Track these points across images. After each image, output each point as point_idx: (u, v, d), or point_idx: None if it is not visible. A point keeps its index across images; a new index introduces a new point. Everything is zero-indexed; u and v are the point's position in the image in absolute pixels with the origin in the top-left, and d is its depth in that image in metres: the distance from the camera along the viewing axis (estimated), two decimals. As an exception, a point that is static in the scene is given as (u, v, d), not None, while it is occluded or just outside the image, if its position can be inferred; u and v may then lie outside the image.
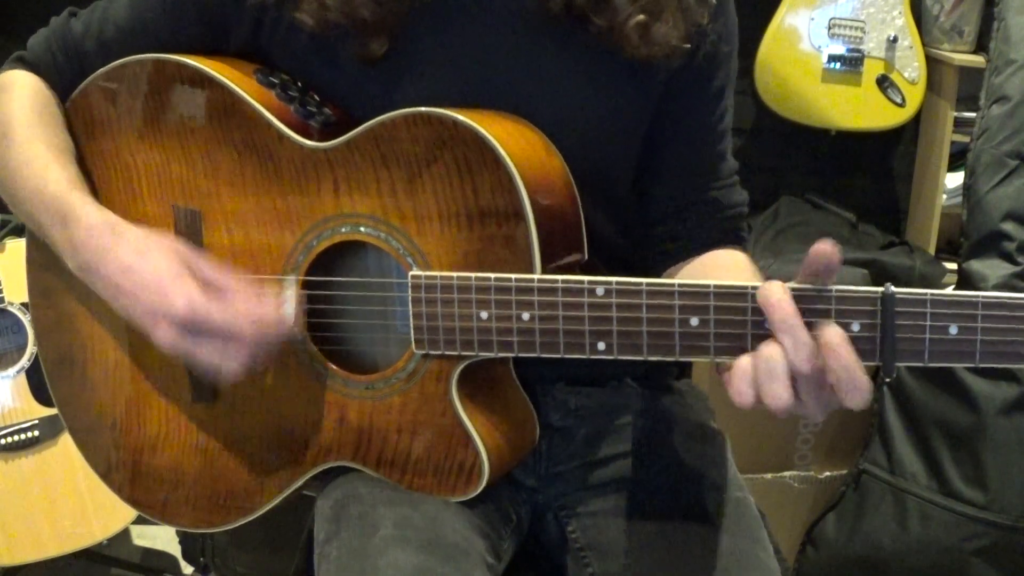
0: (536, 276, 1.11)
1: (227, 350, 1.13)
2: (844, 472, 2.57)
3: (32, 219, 1.25)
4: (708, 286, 1.04)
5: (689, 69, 1.29)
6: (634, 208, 1.38)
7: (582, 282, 1.08)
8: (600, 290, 1.07)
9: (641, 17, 1.20)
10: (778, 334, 0.99)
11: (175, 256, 1.17)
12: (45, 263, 1.37)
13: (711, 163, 1.37)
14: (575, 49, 1.24)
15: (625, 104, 1.28)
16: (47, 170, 1.24)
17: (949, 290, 1.00)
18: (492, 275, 1.12)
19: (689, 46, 1.24)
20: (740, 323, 1.03)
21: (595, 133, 1.27)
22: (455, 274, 1.13)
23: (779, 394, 0.99)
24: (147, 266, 1.15)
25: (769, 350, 1.00)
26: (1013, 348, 0.98)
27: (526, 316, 1.11)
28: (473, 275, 1.12)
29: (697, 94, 1.32)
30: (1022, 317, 0.97)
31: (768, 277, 1.05)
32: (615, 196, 1.34)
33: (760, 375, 1.00)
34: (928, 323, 0.98)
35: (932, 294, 0.98)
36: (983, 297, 0.97)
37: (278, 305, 1.19)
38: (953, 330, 0.98)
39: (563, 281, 1.09)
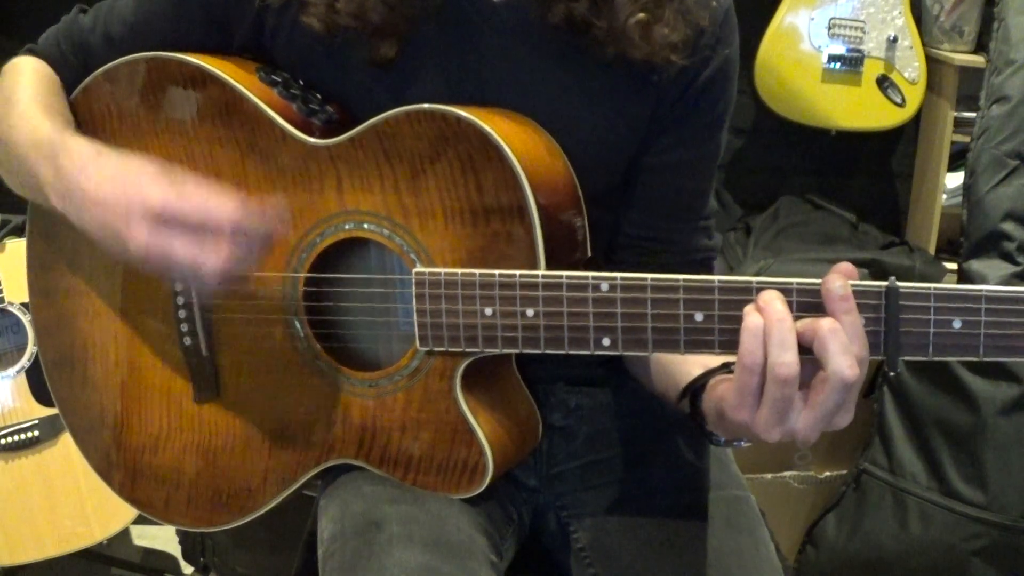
0: (540, 272, 1.11)
1: (205, 242, 1.08)
2: (844, 472, 2.57)
3: (26, 170, 1.23)
4: (712, 282, 1.04)
5: (692, 90, 1.27)
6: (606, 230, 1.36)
7: (586, 278, 1.08)
8: (604, 286, 1.07)
9: (642, 15, 1.19)
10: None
11: (154, 165, 1.13)
12: (46, 263, 1.37)
13: (688, 202, 1.35)
14: (575, 61, 1.24)
15: (620, 119, 1.27)
16: (43, 121, 1.24)
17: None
18: (496, 272, 1.12)
19: (687, 62, 1.23)
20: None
21: (588, 146, 1.26)
22: (459, 271, 1.13)
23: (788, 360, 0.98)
24: (125, 172, 1.13)
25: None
26: (1016, 342, 0.98)
27: (530, 312, 1.11)
28: (477, 272, 1.12)
29: (694, 123, 1.29)
30: None
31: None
32: (595, 215, 1.31)
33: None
34: (932, 317, 0.99)
35: (936, 288, 0.98)
36: (987, 291, 0.97)
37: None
38: (957, 324, 0.98)
39: (567, 277, 1.09)
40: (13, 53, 1.37)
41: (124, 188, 1.11)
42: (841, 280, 0.98)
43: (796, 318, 0.99)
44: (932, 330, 0.99)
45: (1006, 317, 0.98)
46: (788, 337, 0.97)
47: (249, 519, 1.33)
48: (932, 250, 2.83)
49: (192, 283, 1.16)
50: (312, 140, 1.20)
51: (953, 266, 2.55)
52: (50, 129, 1.23)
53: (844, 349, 0.96)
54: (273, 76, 1.25)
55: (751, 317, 0.99)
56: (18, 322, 2.18)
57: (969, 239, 2.36)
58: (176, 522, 1.38)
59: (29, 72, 1.33)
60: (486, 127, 1.11)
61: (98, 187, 1.13)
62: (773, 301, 0.99)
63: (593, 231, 1.24)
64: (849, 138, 2.82)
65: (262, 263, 1.22)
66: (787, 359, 0.97)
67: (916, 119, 2.85)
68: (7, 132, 1.27)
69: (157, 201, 1.08)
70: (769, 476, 2.58)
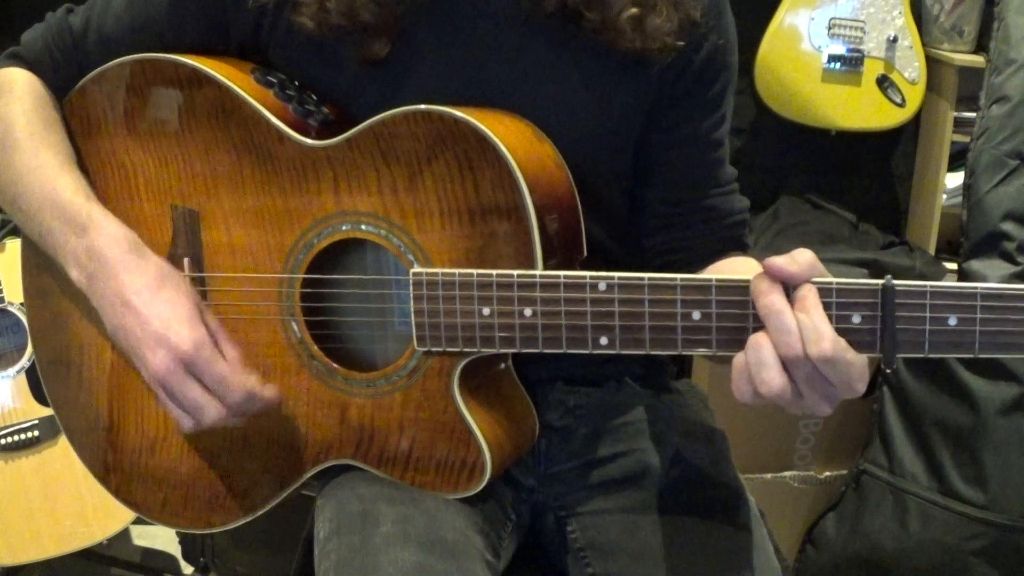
0: (538, 272, 1.11)
1: (209, 403, 1.17)
2: (844, 472, 2.57)
3: (36, 223, 1.25)
4: (710, 280, 1.04)
5: (687, 74, 1.28)
6: (628, 217, 1.37)
7: (584, 277, 1.08)
8: (602, 285, 1.08)
9: (634, 10, 1.20)
10: (763, 320, 1.01)
11: (191, 297, 1.20)
12: (42, 264, 1.37)
13: (709, 170, 1.36)
14: (570, 48, 1.25)
15: (618, 104, 1.28)
16: (59, 177, 1.26)
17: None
18: (494, 271, 1.12)
19: (683, 43, 1.24)
20: (742, 316, 1.04)
21: (588, 133, 1.27)
22: (457, 271, 1.14)
23: (770, 380, 1.00)
24: (163, 295, 1.19)
25: (755, 337, 1.01)
26: (1012, 339, 0.98)
27: (528, 312, 1.11)
28: (475, 271, 1.12)
29: (695, 100, 1.31)
30: (1020, 308, 0.98)
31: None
32: (607, 200, 1.33)
33: (751, 364, 1.01)
34: (928, 314, 0.99)
35: (932, 286, 0.98)
36: (982, 288, 0.98)
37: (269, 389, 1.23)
38: (952, 321, 0.99)
39: (565, 276, 1.09)
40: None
41: (161, 314, 1.17)
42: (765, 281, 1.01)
43: None
44: (928, 327, 0.99)
45: (1001, 314, 0.98)
46: (763, 356, 1.01)
47: (247, 520, 1.33)
48: (932, 250, 2.82)
49: (181, 418, 1.21)
50: (308, 141, 1.20)
51: (953, 266, 2.55)
52: (71, 193, 1.24)
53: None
54: (269, 77, 1.25)
55: (739, 356, 1.03)
56: (18, 322, 2.18)
57: (969, 239, 2.36)
58: (173, 524, 1.38)
59: (22, 95, 1.32)
60: (483, 127, 1.11)
61: (136, 296, 1.18)
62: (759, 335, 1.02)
63: (610, 219, 1.25)
64: (849, 138, 2.82)
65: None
66: (765, 377, 1.01)
67: (916, 119, 2.85)
68: (11, 174, 1.27)
69: (190, 348, 1.16)
70: (769, 476, 2.58)
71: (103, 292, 1.20)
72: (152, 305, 1.18)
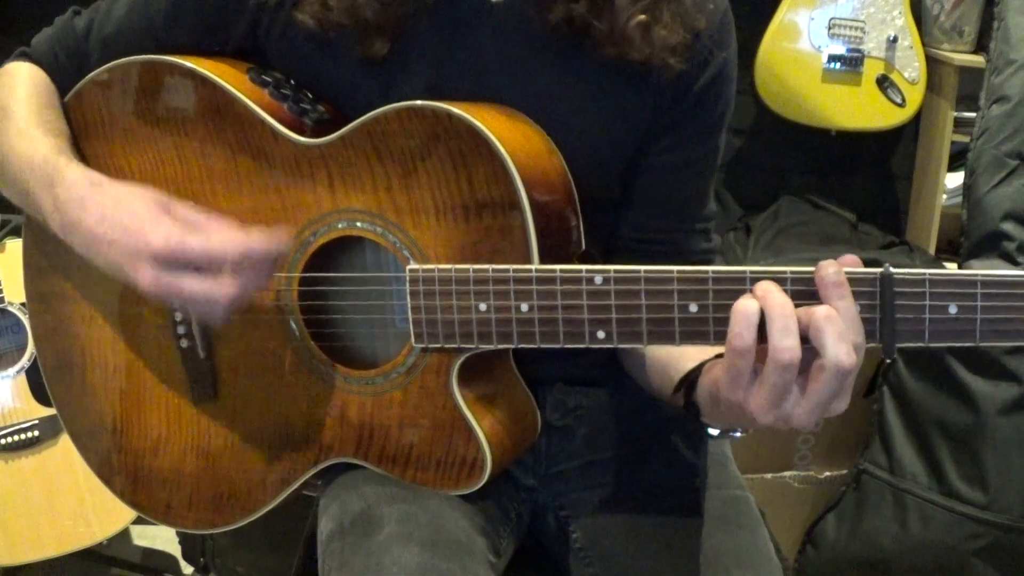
0: (534, 267, 1.11)
1: (211, 281, 1.10)
2: (844, 472, 2.57)
3: (23, 191, 1.25)
4: (707, 272, 1.03)
5: (689, 95, 1.27)
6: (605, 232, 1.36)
7: (580, 271, 1.08)
8: (598, 279, 1.07)
9: (642, 17, 1.19)
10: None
11: (152, 201, 1.15)
12: (43, 267, 1.37)
13: (687, 202, 1.34)
14: (574, 59, 1.24)
15: (620, 117, 1.27)
16: (39, 141, 1.25)
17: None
18: (490, 267, 1.12)
19: (688, 55, 1.23)
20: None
21: (590, 141, 1.26)
22: (453, 267, 1.13)
23: (794, 412, 0.98)
24: (124, 211, 1.14)
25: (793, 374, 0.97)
26: (1013, 326, 0.97)
27: (525, 307, 1.11)
28: (471, 267, 1.12)
29: (692, 125, 1.29)
30: (1021, 295, 0.97)
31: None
32: (606, 201, 1.32)
33: (772, 386, 0.97)
34: (928, 303, 0.98)
35: (931, 273, 0.98)
36: (982, 276, 0.97)
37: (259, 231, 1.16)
38: (953, 309, 0.98)
39: (561, 271, 1.09)
40: (12, 52, 1.38)
41: (125, 228, 1.13)
42: (835, 267, 0.97)
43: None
44: (928, 316, 0.98)
45: (1002, 301, 0.97)
46: (790, 323, 0.96)
47: (250, 519, 1.34)
48: (932, 250, 2.83)
49: (202, 315, 1.18)
50: (303, 139, 1.20)
51: (953, 266, 2.55)
52: (46, 152, 1.23)
53: (840, 336, 0.95)
54: (264, 76, 1.25)
55: (744, 301, 0.98)
56: (18, 322, 2.18)
57: (969, 239, 2.36)
58: (178, 525, 1.39)
59: (25, 80, 1.33)
60: (476, 122, 1.11)
61: (99, 224, 1.15)
62: (772, 290, 0.98)
63: (592, 232, 1.24)
64: (849, 138, 2.82)
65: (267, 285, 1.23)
66: (789, 344, 0.95)
67: (916, 119, 2.85)
68: (3, 145, 1.27)
69: (160, 244, 1.10)
70: (769, 476, 2.58)
71: (76, 238, 1.18)
72: (117, 225, 1.14)
